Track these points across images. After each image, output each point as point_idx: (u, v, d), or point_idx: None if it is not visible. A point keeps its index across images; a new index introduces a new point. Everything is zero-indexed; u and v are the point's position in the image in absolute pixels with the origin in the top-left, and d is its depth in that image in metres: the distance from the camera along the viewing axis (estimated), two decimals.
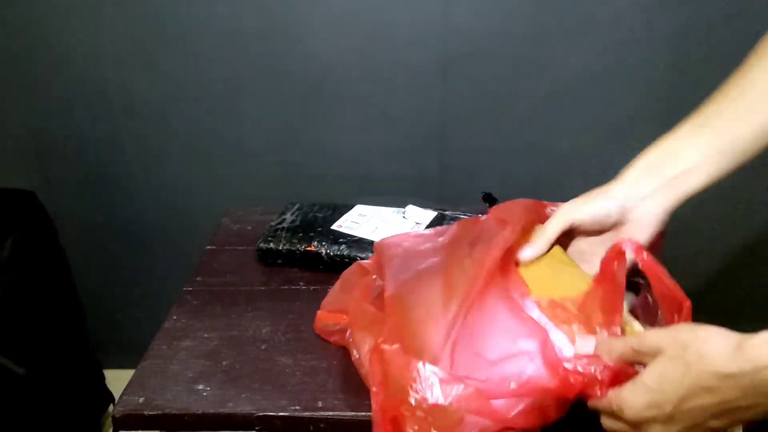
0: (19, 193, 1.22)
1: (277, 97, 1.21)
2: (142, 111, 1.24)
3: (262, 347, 0.70)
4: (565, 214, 0.62)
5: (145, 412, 0.62)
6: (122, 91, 1.22)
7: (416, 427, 0.51)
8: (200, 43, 1.17)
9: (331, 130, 1.24)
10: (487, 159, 1.25)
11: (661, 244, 0.62)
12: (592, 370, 0.50)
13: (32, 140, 1.28)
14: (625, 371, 0.50)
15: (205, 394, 0.64)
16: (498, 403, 0.51)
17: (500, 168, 1.25)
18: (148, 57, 1.19)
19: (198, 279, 0.83)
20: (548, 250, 0.62)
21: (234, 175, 1.29)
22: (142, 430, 0.63)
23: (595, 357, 0.51)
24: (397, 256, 0.65)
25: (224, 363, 0.68)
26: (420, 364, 0.52)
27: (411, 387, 0.52)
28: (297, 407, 0.62)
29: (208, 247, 0.90)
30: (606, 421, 0.51)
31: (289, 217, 0.90)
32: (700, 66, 1.15)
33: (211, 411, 0.62)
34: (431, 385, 0.51)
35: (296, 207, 0.93)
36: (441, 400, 0.51)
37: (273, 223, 0.89)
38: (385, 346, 0.54)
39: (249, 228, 0.94)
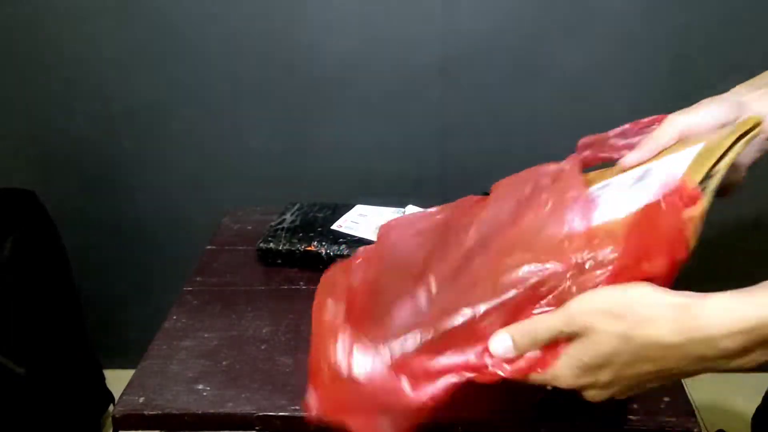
0: (19, 193, 1.22)
1: (277, 97, 1.21)
2: (142, 111, 1.24)
3: (262, 347, 0.70)
4: (675, 121, 0.57)
5: (145, 412, 0.62)
6: (122, 91, 1.22)
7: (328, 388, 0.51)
8: (200, 44, 1.17)
9: (331, 130, 1.24)
10: (487, 159, 1.25)
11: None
12: (521, 365, 0.47)
13: (32, 140, 1.28)
14: (555, 350, 0.46)
15: (205, 394, 0.64)
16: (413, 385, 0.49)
17: (500, 168, 1.24)
18: (148, 57, 1.19)
19: (198, 279, 0.83)
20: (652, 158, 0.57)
21: (234, 175, 1.29)
22: (142, 430, 0.63)
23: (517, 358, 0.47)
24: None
25: (224, 363, 0.68)
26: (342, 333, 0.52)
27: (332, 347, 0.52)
28: (297, 407, 0.62)
29: (208, 247, 0.90)
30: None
31: (289, 217, 0.90)
32: (700, 66, 1.15)
33: (211, 411, 0.62)
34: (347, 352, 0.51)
35: (296, 207, 0.93)
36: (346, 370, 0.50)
37: (273, 223, 0.89)
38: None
39: (249, 228, 0.94)
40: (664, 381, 0.44)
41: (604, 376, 0.44)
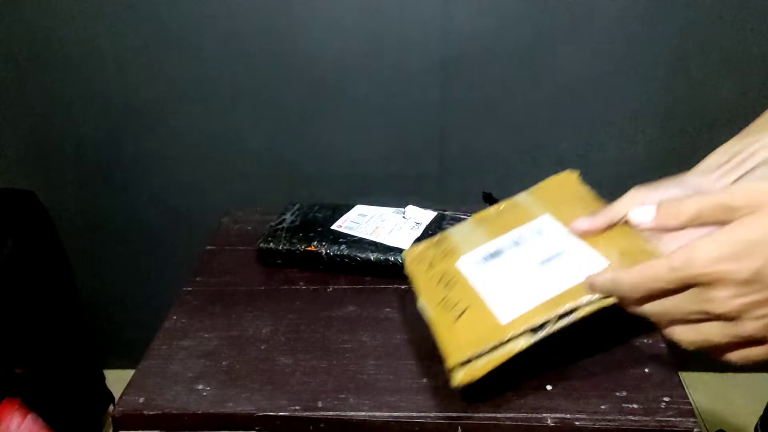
0: (19, 193, 1.22)
1: (277, 97, 1.21)
2: (142, 111, 1.24)
3: (262, 347, 0.70)
4: (638, 195, 0.55)
5: (145, 412, 0.62)
6: (122, 91, 1.22)
7: None
8: (200, 43, 1.17)
9: (331, 131, 1.24)
10: (487, 159, 1.25)
11: None
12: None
13: (32, 140, 1.28)
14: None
15: (205, 394, 0.64)
16: None
17: (500, 168, 1.25)
18: (147, 57, 1.19)
19: (198, 279, 0.83)
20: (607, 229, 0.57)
21: (234, 175, 1.29)
22: (142, 430, 0.63)
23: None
24: None
25: (224, 363, 0.68)
26: None
27: None
28: (297, 407, 0.62)
29: (208, 247, 0.90)
30: (652, 307, 0.44)
31: (289, 217, 0.90)
32: (700, 66, 1.15)
33: (211, 411, 0.62)
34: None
35: (296, 207, 0.93)
36: None
37: (273, 223, 0.89)
38: None
39: (249, 228, 0.94)
40: None
41: (749, 264, 0.38)
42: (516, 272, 0.58)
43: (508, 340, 0.53)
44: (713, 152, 0.54)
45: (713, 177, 0.51)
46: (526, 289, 0.55)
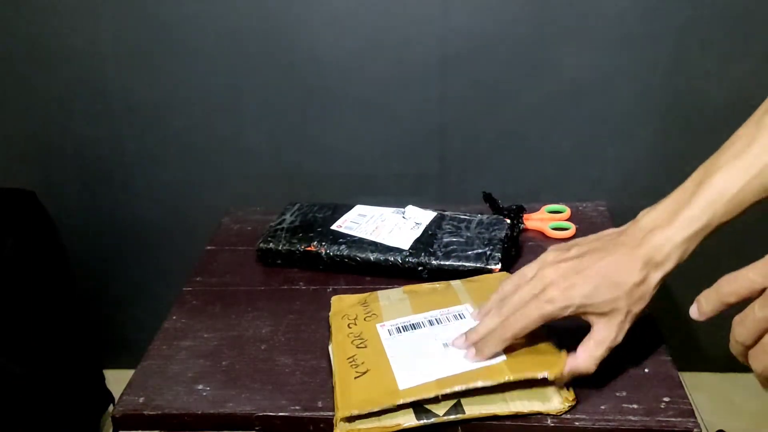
0: (19, 193, 1.22)
1: (277, 97, 1.21)
2: (142, 111, 1.24)
3: (262, 347, 0.70)
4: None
5: (145, 412, 0.62)
6: (122, 91, 1.22)
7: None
8: (200, 43, 1.17)
9: (331, 130, 1.24)
10: (487, 159, 1.25)
11: None
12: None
13: (32, 140, 1.28)
14: None
15: (205, 394, 0.64)
16: None
17: (500, 168, 1.25)
18: (148, 57, 1.19)
19: (198, 279, 0.83)
20: None
21: (234, 175, 1.29)
22: (142, 430, 0.63)
23: None
24: None
25: (224, 363, 0.68)
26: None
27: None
28: (297, 407, 0.62)
29: (208, 247, 0.90)
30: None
31: (288, 217, 0.91)
32: (700, 66, 1.15)
33: (211, 411, 0.62)
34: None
35: (296, 207, 0.93)
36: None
37: (273, 224, 0.89)
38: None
39: (249, 228, 0.94)
40: None
41: None
42: (425, 347, 0.62)
43: (398, 409, 0.56)
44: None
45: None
46: (429, 364, 0.59)
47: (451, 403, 0.57)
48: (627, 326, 0.58)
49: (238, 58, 1.18)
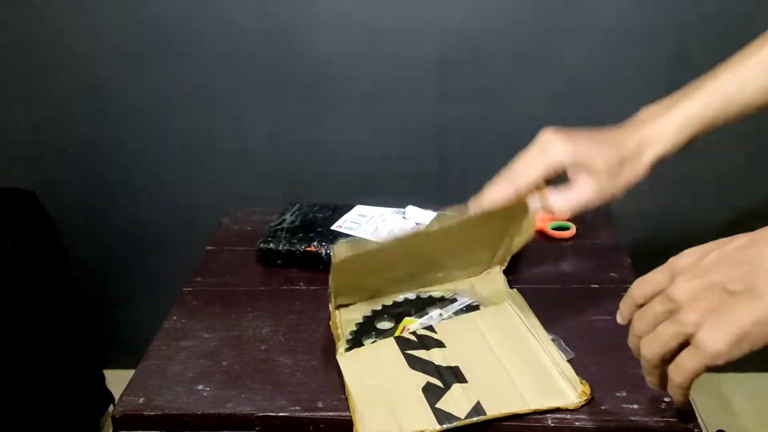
0: (19, 193, 1.22)
1: (277, 98, 1.21)
2: (141, 111, 1.24)
3: (262, 347, 0.70)
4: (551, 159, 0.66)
5: (145, 412, 0.62)
6: (122, 91, 1.22)
7: None
8: (200, 44, 1.17)
9: (331, 131, 1.24)
10: (487, 159, 1.25)
11: None
12: None
13: (32, 140, 1.28)
14: None
15: (205, 394, 0.64)
16: None
17: (500, 168, 1.25)
18: (148, 57, 1.19)
19: (198, 279, 0.83)
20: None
21: (234, 175, 1.29)
22: (142, 430, 0.63)
23: None
24: None
25: (224, 363, 0.68)
26: None
27: None
28: (297, 407, 0.62)
29: (208, 247, 0.90)
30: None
31: (288, 217, 0.90)
32: (700, 66, 1.15)
33: (211, 411, 0.62)
34: None
35: (296, 207, 0.93)
36: None
37: (273, 224, 0.89)
38: None
39: (249, 228, 0.94)
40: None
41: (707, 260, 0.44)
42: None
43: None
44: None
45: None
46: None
47: (472, 404, 0.57)
48: (609, 192, 0.61)
49: (238, 59, 1.18)
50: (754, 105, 0.61)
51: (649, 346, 0.44)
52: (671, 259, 0.46)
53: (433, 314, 0.69)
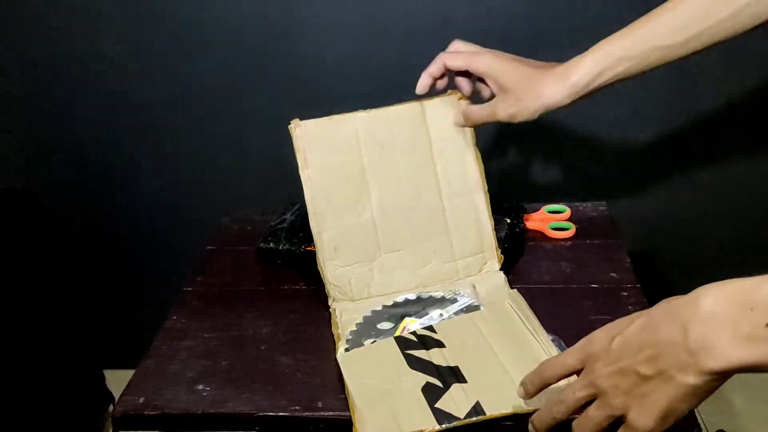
0: (19, 193, 1.22)
1: (277, 97, 1.21)
2: (142, 111, 1.24)
3: (262, 347, 0.70)
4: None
5: (145, 412, 0.62)
6: (122, 91, 1.22)
7: None
8: (200, 43, 1.17)
9: None
10: (488, 159, 1.25)
11: None
12: None
13: (32, 140, 1.28)
14: None
15: (205, 394, 0.64)
16: None
17: (500, 168, 1.25)
18: (148, 57, 1.19)
19: (198, 279, 0.83)
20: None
21: (234, 175, 1.29)
22: (142, 430, 0.63)
23: None
24: None
25: (224, 363, 0.68)
26: None
27: None
28: (297, 407, 0.62)
29: (208, 247, 0.90)
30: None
31: (289, 217, 0.90)
32: (700, 66, 1.15)
33: (211, 411, 0.62)
34: None
35: (296, 207, 0.93)
36: None
37: (273, 223, 0.89)
38: None
39: (249, 228, 0.94)
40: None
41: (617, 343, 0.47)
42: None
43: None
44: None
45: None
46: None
47: (471, 404, 0.57)
48: (521, 108, 0.73)
49: (238, 59, 1.18)
50: (674, 54, 0.70)
51: (582, 427, 0.49)
52: (581, 343, 0.49)
53: (433, 314, 0.69)
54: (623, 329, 0.46)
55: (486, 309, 0.69)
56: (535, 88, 0.70)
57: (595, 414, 0.48)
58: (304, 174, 0.75)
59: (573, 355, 0.49)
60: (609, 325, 0.48)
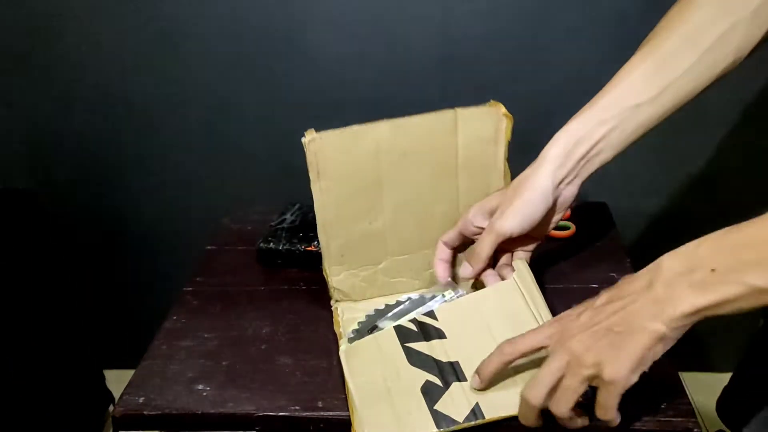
0: (19, 193, 1.22)
1: (277, 97, 1.21)
2: (142, 111, 1.24)
3: (262, 347, 0.70)
4: (496, 231, 0.64)
5: (145, 412, 0.62)
6: (122, 91, 1.22)
7: None
8: (200, 43, 1.17)
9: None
10: None
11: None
12: None
13: (32, 140, 1.28)
14: None
15: (205, 394, 0.64)
16: None
17: None
18: (148, 57, 1.19)
19: (198, 279, 0.83)
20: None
21: (234, 175, 1.29)
22: (142, 430, 0.63)
23: None
24: None
25: (224, 363, 0.68)
26: None
27: None
28: (297, 407, 0.62)
29: (208, 247, 0.90)
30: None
31: (289, 217, 0.91)
32: None
33: (211, 411, 0.62)
34: None
35: (296, 207, 0.93)
36: None
37: (273, 223, 0.89)
38: None
39: (249, 228, 0.94)
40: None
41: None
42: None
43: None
44: (547, 150, 0.69)
45: (556, 184, 0.67)
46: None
47: (471, 406, 0.57)
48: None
49: (238, 58, 1.18)
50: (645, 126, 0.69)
51: (561, 403, 0.51)
52: (549, 322, 0.55)
53: (433, 303, 0.68)
54: (590, 304, 0.52)
55: (490, 288, 0.68)
56: (540, 223, 0.68)
57: (570, 381, 0.50)
58: (316, 186, 0.72)
59: (542, 330, 0.54)
60: (575, 307, 0.54)
